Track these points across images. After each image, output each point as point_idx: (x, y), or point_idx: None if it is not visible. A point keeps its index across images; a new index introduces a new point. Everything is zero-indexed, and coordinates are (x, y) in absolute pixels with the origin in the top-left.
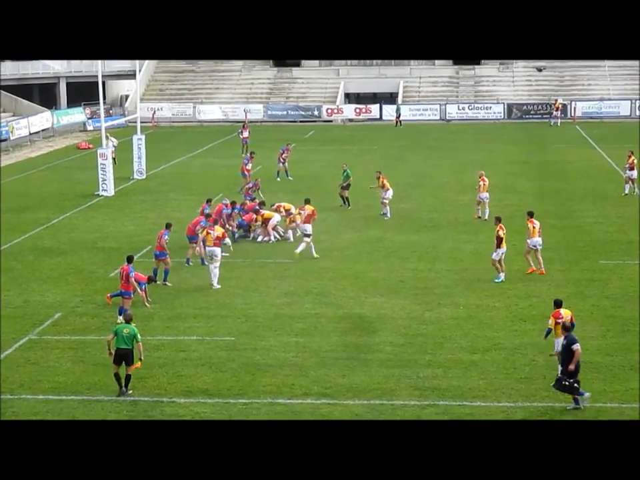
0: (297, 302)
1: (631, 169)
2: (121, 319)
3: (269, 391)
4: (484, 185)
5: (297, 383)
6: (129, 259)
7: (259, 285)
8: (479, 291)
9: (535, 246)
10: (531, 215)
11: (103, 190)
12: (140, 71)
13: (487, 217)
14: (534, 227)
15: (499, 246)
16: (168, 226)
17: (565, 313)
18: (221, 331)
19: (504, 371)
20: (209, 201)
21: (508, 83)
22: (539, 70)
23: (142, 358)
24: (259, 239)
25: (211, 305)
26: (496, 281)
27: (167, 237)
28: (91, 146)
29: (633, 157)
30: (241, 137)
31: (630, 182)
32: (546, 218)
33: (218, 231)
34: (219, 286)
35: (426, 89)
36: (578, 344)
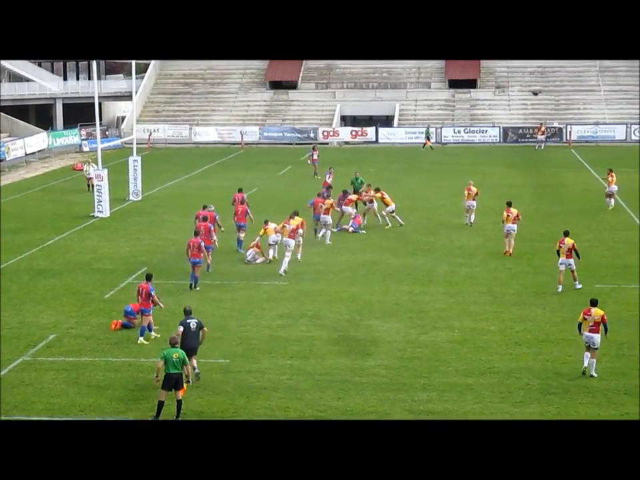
0: (292, 324)
1: (610, 184)
2: (153, 335)
3: (263, 414)
4: (469, 193)
5: (291, 405)
6: (148, 277)
7: (253, 307)
8: (474, 315)
9: (508, 231)
10: (509, 204)
11: (98, 211)
12: (136, 92)
13: (472, 222)
14: (508, 215)
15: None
16: (197, 234)
17: (595, 312)
18: (216, 354)
19: (499, 395)
20: (240, 190)
21: (504, 106)
22: (535, 94)
23: (190, 380)
24: (259, 260)
25: (206, 327)
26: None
27: (203, 244)
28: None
29: (611, 175)
30: (311, 159)
31: (609, 197)
32: (541, 241)
33: (294, 223)
34: (284, 274)
35: (422, 112)
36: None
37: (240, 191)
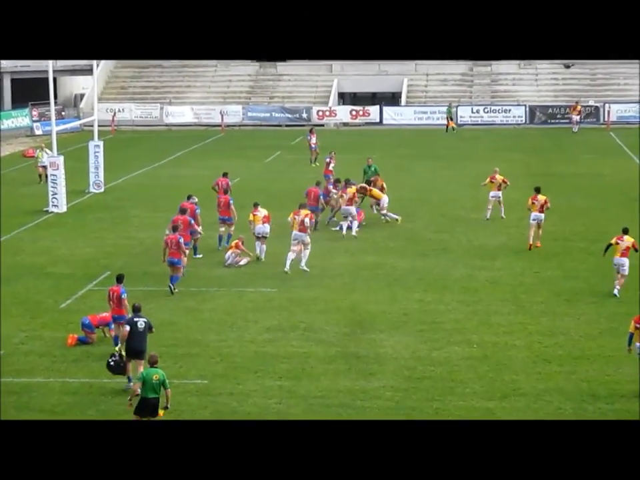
0: (281, 338)
1: None
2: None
3: None
4: (493, 182)
5: None
6: (119, 279)
7: (236, 318)
8: (496, 327)
9: (535, 220)
10: (537, 190)
11: (53, 205)
12: (98, 65)
13: (488, 217)
14: (534, 203)
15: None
16: (175, 229)
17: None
18: (191, 373)
19: None
20: (225, 174)
21: (530, 81)
22: (567, 67)
23: (168, 406)
24: (242, 262)
25: (180, 342)
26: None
27: (182, 239)
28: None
29: None
30: (310, 143)
31: None
32: (574, 240)
33: (303, 214)
34: (308, 269)
35: (434, 89)
36: None
37: (225, 175)
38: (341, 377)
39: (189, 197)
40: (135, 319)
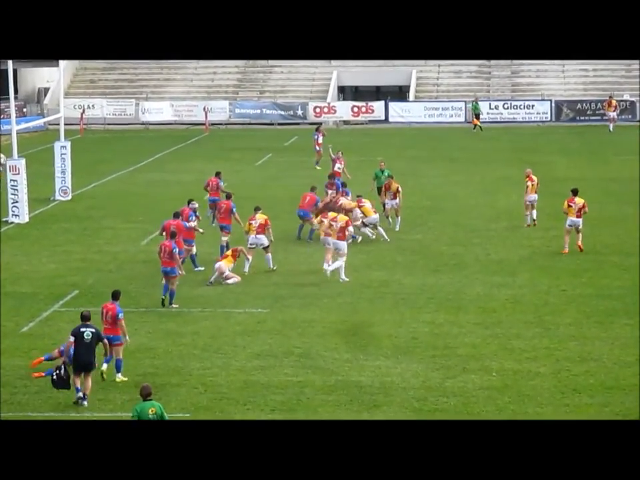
0: (274, 366)
1: None
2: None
3: None
4: (532, 185)
5: None
6: (115, 295)
7: (222, 343)
8: (518, 352)
9: (572, 226)
10: (574, 193)
11: (13, 215)
12: None
13: (535, 220)
14: (570, 206)
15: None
16: (173, 235)
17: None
18: (172, 405)
19: None
20: (218, 174)
21: (556, 73)
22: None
23: None
24: (230, 280)
25: (158, 369)
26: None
27: (176, 249)
28: None
29: None
30: (316, 142)
31: None
32: (607, 254)
33: (341, 220)
34: (347, 279)
35: (447, 82)
36: None
37: (217, 175)
38: (341, 409)
39: (189, 202)
40: (82, 329)
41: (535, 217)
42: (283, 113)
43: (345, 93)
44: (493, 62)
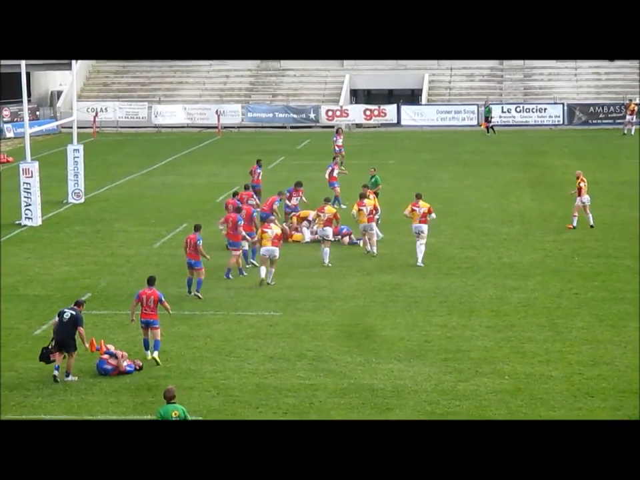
0: (286, 369)
1: None
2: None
3: None
4: (584, 185)
5: None
6: (151, 281)
7: (234, 346)
8: (530, 356)
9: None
10: (418, 197)
11: (26, 218)
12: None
13: (592, 223)
14: (413, 210)
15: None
16: (197, 228)
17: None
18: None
19: None
20: (259, 161)
21: (569, 76)
22: (612, 59)
23: None
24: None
25: (171, 372)
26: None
27: (201, 241)
28: (10, 159)
29: None
30: (335, 145)
31: None
32: (620, 257)
33: (369, 204)
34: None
35: (459, 85)
36: None
37: (258, 162)
38: (353, 412)
39: (234, 195)
40: (64, 310)
41: (591, 220)
42: (295, 116)
43: (358, 96)
44: (505, 65)
